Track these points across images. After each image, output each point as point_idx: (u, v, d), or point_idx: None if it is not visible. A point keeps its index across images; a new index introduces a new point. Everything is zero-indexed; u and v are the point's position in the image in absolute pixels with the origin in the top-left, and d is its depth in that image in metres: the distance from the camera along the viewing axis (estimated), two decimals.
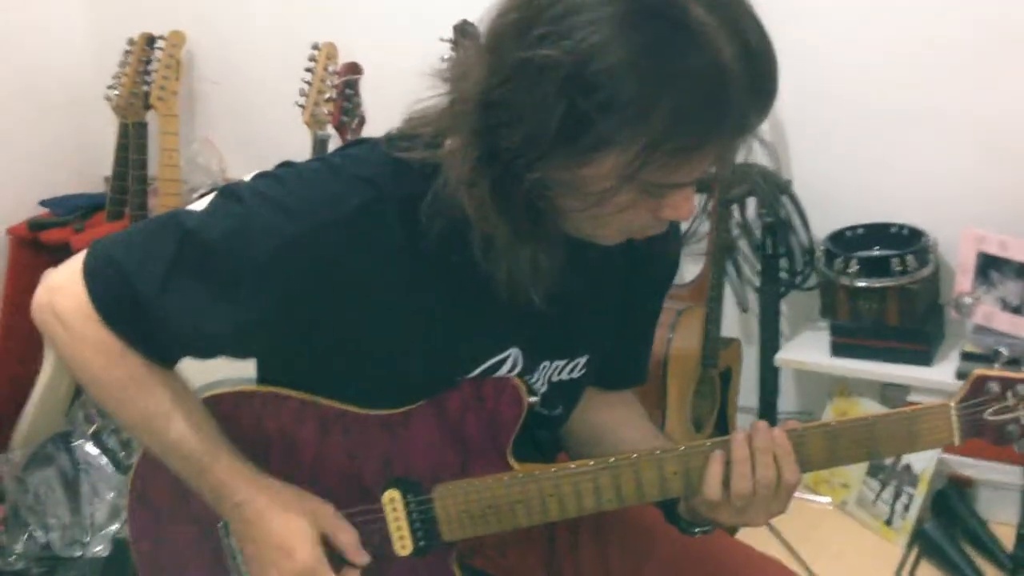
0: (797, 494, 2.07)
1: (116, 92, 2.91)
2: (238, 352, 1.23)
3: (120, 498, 2.60)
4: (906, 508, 1.95)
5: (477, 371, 1.22)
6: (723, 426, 2.39)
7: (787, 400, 2.43)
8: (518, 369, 1.24)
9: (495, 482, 1.22)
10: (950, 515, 1.95)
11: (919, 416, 1.17)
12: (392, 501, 1.24)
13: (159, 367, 1.19)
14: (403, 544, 1.25)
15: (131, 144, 2.90)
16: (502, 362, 1.23)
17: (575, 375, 1.31)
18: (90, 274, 1.15)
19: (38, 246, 3.00)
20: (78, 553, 2.56)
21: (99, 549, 2.55)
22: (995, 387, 1.15)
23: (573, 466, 1.22)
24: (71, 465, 2.65)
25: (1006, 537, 1.90)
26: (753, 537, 1.98)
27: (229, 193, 1.14)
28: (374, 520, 1.23)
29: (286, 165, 1.18)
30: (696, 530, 1.29)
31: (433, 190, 1.09)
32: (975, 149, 2.12)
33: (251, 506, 1.18)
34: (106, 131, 3.06)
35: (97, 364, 1.16)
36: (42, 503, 2.60)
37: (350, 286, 1.12)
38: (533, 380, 1.27)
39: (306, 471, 1.23)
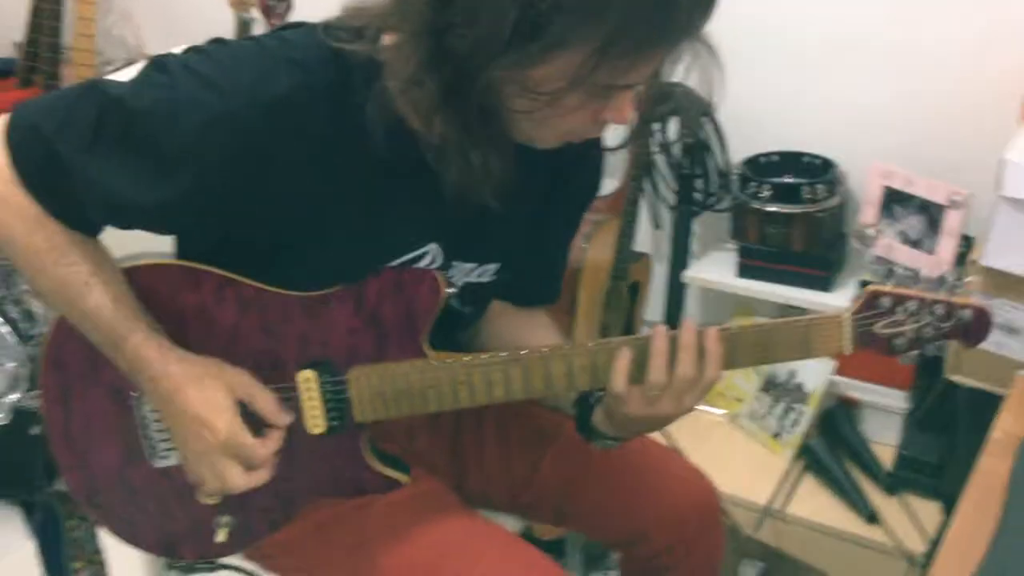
0: None
1: None
2: (157, 226, 1.21)
3: (21, 368, 2.56)
4: (794, 424, 2.03)
5: (396, 262, 1.24)
6: None
7: (691, 317, 2.49)
8: (436, 264, 1.27)
9: (409, 367, 1.25)
10: (835, 433, 2.04)
11: (814, 325, 1.23)
12: (307, 380, 1.25)
13: (79, 235, 1.18)
14: (316, 423, 1.27)
15: (46, 10, 2.80)
16: (421, 256, 1.25)
17: (484, 279, 1.34)
18: (11, 139, 1.13)
19: None
20: None
21: None
22: (887, 302, 1.22)
23: (485, 356, 1.25)
24: None
25: (887, 458, 2.00)
26: None
27: (157, 64, 1.12)
28: (288, 399, 1.25)
29: (218, 41, 1.16)
30: (602, 442, 1.33)
31: (376, 88, 1.08)
32: (891, 86, 2.16)
33: (167, 381, 1.18)
34: None
35: (17, 229, 1.15)
36: None
37: (273, 168, 1.11)
38: (449, 277, 1.29)
39: (222, 347, 1.24)
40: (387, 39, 1.10)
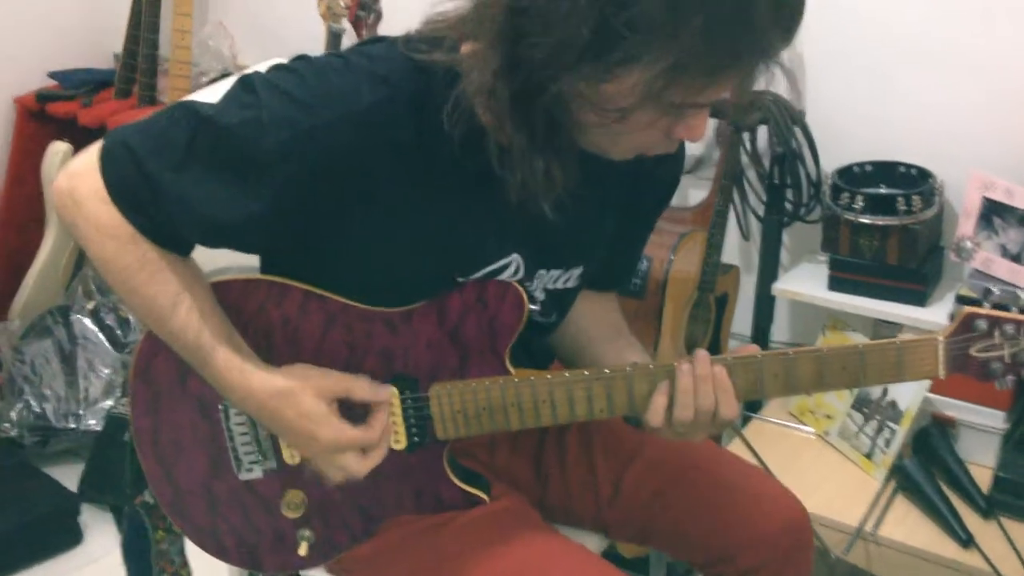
0: (782, 422, 2.11)
1: None
2: (247, 243, 1.24)
3: (115, 375, 2.63)
4: (887, 443, 1.98)
5: (479, 274, 1.24)
6: (715, 350, 2.41)
7: (780, 330, 2.46)
8: (519, 275, 1.26)
9: (491, 384, 1.25)
10: (930, 453, 1.98)
11: (907, 347, 1.20)
12: (389, 392, 1.26)
13: (171, 254, 1.20)
14: (397, 439, 1.28)
15: (144, 22, 2.86)
16: (504, 267, 1.25)
17: (569, 285, 1.34)
18: (106, 160, 1.16)
19: (44, 118, 2.99)
20: (72, 425, 2.60)
21: (92, 423, 2.59)
22: (983, 325, 1.19)
23: (568, 374, 1.25)
24: (68, 339, 2.68)
25: (983, 479, 1.94)
26: None
27: (244, 83, 1.15)
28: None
29: (302, 59, 1.17)
30: None
31: (454, 96, 1.10)
32: (991, 95, 2.10)
33: (252, 400, 1.21)
34: (119, 8, 3.03)
35: (109, 248, 1.17)
36: (38, 374, 2.63)
37: (359, 181, 1.13)
38: (532, 287, 1.29)
39: (307, 361, 1.25)
40: (465, 48, 1.11)
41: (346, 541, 1.35)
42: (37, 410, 2.60)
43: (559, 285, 1.33)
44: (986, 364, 1.20)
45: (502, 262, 1.25)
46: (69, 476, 2.54)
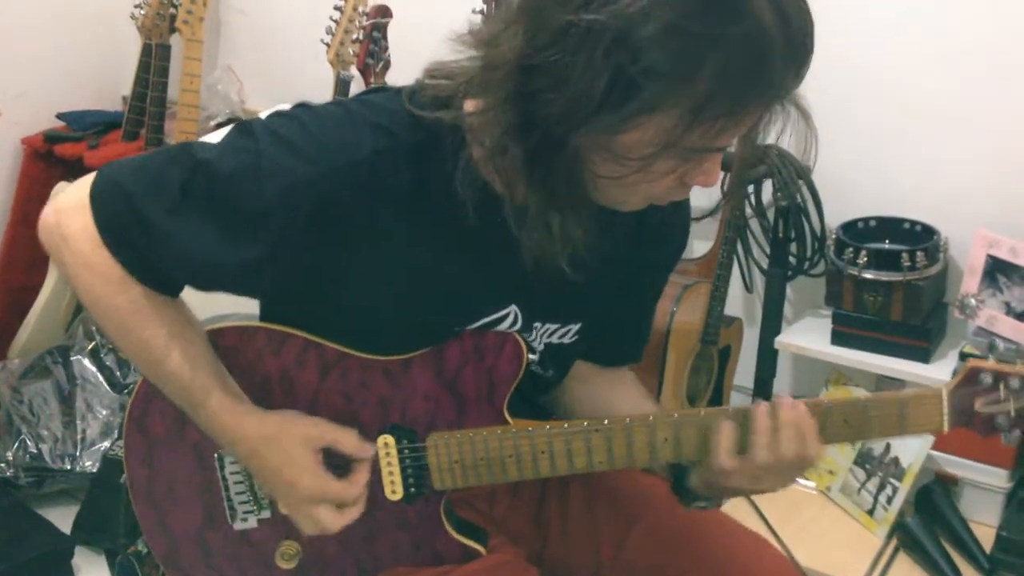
0: None
1: (143, 11, 2.90)
2: (240, 287, 1.22)
3: (113, 416, 2.62)
4: (889, 500, 1.96)
5: (477, 324, 1.23)
6: (717, 402, 2.40)
7: (783, 383, 2.44)
8: (517, 326, 1.25)
9: (489, 435, 1.24)
10: (932, 511, 1.96)
11: (911, 400, 1.19)
12: (386, 446, 1.25)
13: (162, 298, 1.19)
14: (393, 489, 1.27)
15: (153, 65, 2.89)
16: (502, 318, 1.24)
17: (566, 340, 1.32)
18: (97, 199, 1.15)
19: (52, 158, 3.00)
20: (68, 467, 2.58)
21: (88, 464, 2.57)
22: (988, 379, 1.17)
23: (566, 425, 1.24)
24: (67, 379, 2.66)
25: (986, 538, 1.92)
26: (735, 515, 2.01)
27: (243, 130, 1.14)
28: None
29: (303, 106, 1.17)
30: (697, 503, 1.30)
31: (461, 157, 1.10)
32: (995, 153, 2.11)
33: (244, 444, 1.20)
34: (129, 50, 3.06)
35: (99, 289, 1.16)
36: (36, 414, 2.62)
37: (356, 231, 1.12)
38: (530, 339, 1.28)
39: (303, 411, 1.24)
40: (470, 105, 1.10)
41: None
42: (33, 451, 2.58)
43: (556, 339, 1.32)
44: (991, 419, 1.18)
45: (500, 313, 1.24)
46: (64, 518, 2.51)
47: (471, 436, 1.24)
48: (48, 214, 1.17)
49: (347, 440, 1.22)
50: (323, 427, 1.22)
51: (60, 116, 3.09)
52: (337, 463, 1.22)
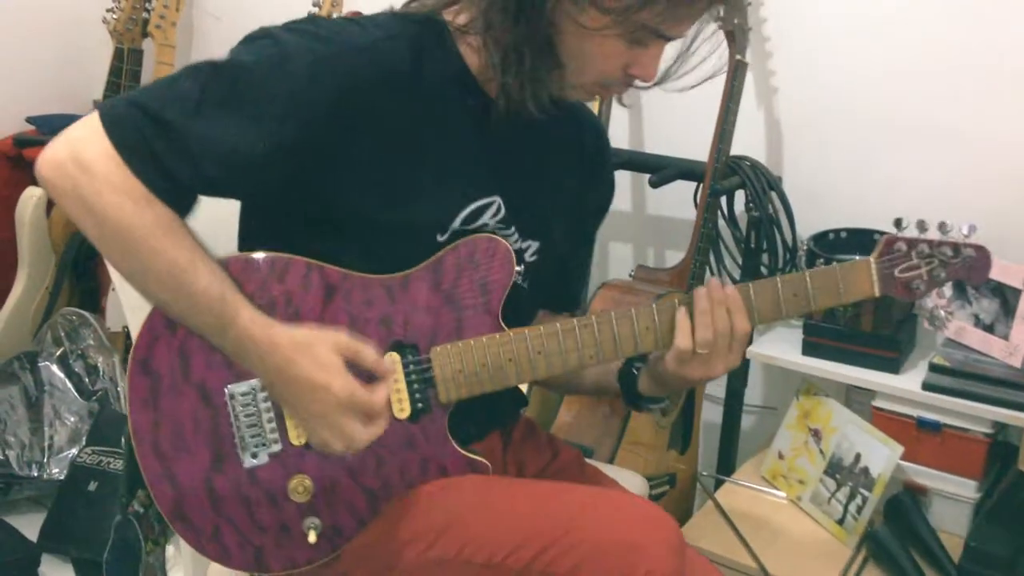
0: (754, 486, 2.11)
1: (115, 15, 2.89)
2: (264, 180, 1.23)
3: (81, 423, 2.59)
4: (859, 510, 1.97)
5: (468, 209, 1.32)
6: (689, 413, 2.41)
7: (754, 393, 2.46)
8: (500, 216, 1.35)
9: (489, 341, 1.32)
10: (902, 521, 1.97)
11: (846, 270, 1.35)
12: (392, 363, 1.30)
13: (180, 219, 1.20)
14: (401, 407, 1.32)
15: (125, 70, 2.88)
16: (488, 205, 1.34)
17: (527, 259, 1.42)
18: (111, 121, 1.15)
19: (21, 162, 2.98)
20: (35, 474, 2.56)
21: (56, 472, 2.55)
22: (902, 246, 1.36)
23: (558, 324, 1.33)
24: (35, 385, 2.64)
25: (955, 548, 1.93)
26: (705, 527, 2.02)
27: (254, 34, 1.23)
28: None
29: (309, 18, 1.31)
30: (649, 406, 1.45)
31: (451, 49, 1.29)
32: (964, 167, 2.13)
33: (277, 354, 1.21)
34: (99, 53, 3.04)
35: (127, 208, 1.15)
36: (3, 420, 2.59)
37: (368, 112, 1.22)
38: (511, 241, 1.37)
39: None
40: (450, 14, 1.31)
41: (353, 525, 1.34)
42: (0, 457, 2.55)
43: (520, 248, 1.41)
44: (908, 283, 1.37)
45: (486, 200, 1.34)
46: (31, 525, 2.49)
47: (472, 344, 1.32)
48: (58, 148, 1.16)
49: (368, 353, 1.24)
50: (346, 336, 1.24)
51: (30, 120, 3.07)
52: (358, 376, 1.23)
